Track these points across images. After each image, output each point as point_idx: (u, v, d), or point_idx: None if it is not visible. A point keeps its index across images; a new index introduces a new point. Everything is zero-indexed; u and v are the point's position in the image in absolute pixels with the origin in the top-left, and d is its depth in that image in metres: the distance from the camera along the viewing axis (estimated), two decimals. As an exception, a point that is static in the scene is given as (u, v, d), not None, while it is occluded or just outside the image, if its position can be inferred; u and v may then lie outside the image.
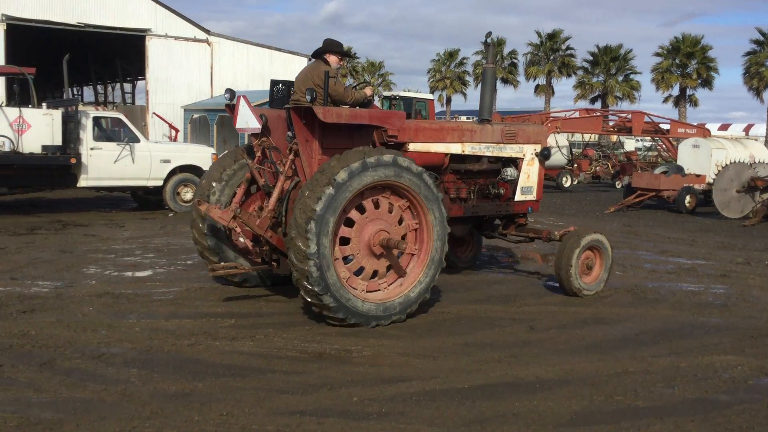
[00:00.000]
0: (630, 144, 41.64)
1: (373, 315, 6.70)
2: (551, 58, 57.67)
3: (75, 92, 54.55)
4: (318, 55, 7.64)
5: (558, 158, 27.11)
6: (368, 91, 7.72)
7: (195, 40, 35.05)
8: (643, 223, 16.97)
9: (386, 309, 6.80)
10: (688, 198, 19.42)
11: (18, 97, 14.71)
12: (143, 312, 7.11)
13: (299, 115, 6.93)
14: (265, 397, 4.95)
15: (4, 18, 30.19)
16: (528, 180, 8.90)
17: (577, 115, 25.49)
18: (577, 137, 39.12)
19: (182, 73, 34.69)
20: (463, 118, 33.68)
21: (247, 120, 7.39)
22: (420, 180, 6.87)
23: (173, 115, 31.52)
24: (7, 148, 13.53)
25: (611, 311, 7.83)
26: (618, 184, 28.83)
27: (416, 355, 6.01)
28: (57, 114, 14.26)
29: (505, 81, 61.82)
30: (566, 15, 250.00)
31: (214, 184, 7.90)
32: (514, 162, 8.85)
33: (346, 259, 6.89)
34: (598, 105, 53.84)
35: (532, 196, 9.01)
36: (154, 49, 34.30)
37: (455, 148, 8.19)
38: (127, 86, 48.90)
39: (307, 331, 6.58)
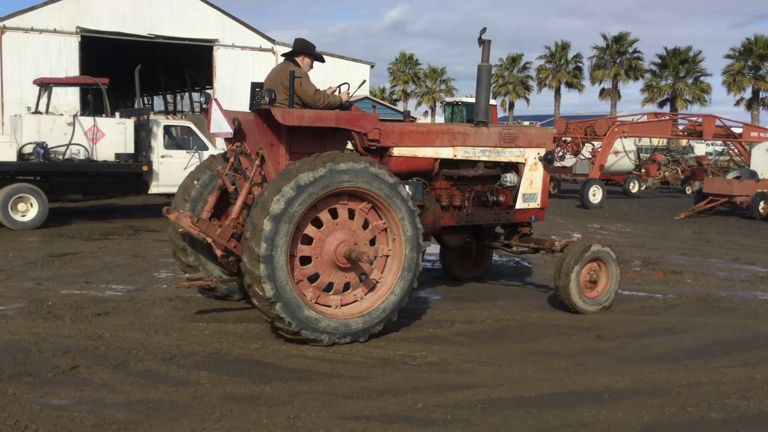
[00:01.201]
0: (700, 148, 40.51)
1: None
2: (617, 61, 56.62)
3: (146, 102, 56.24)
4: (289, 56, 7.38)
5: (625, 163, 26.55)
6: (344, 96, 7.34)
7: (260, 49, 35.69)
8: (714, 230, 16.46)
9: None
10: (762, 204, 18.72)
11: (92, 106, 15.22)
12: (212, 315, 7.26)
13: (262, 118, 6.57)
14: (331, 402, 4.99)
15: (78, 30, 31.35)
16: (531, 186, 8.24)
17: (645, 119, 24.91)
18: (645, 142, 38.22)
19: (248, 81, 35.22)
20: (526, 123, 33.34)
21: (219, 124, 7.04)
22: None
23: (239, 123, 32.04)
24: (82, 156, 14.03)
25: (682, 320, 7.61)
26: (688, 190, 28.04)
27: (481, 362, 5.96)
28: (129, 123, 14.72)
29: (569, 85, 61.01)
30: (632, 17, 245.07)
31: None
32: (515, 167, 8.24)
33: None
34: (666, 109, 52.55)
35: (535, 204, 8.34)
36: (221, 58, 35.10)
37: (446, 153, 7.63)
38: (196, 95, 50.13)
39: (371, 337, 6.60)
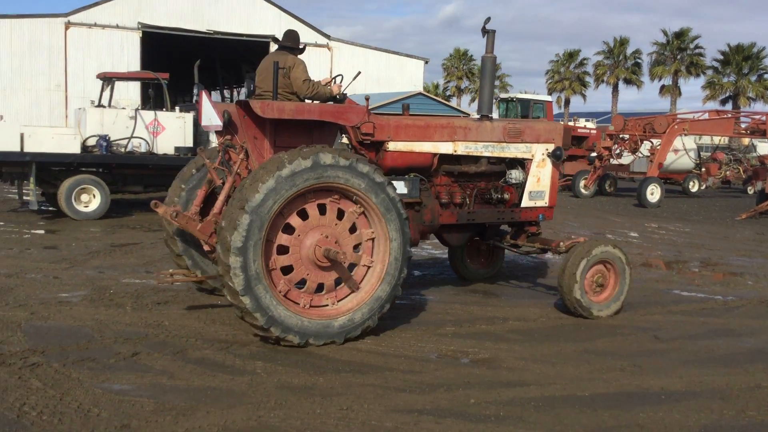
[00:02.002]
0: (763, 147, 39.20)
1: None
2: (678, 57, 55.29)
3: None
4: (282, 47, 7.26)
5: (685, 161, 25.94)
6: (335, 89, 7.14)
7: (316, 45, 35.99)
8: (778, 231, 15.96)
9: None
10: (828, 205, 18.08)
11: (153, 101, 15.57)
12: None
13: (244, 111, 6.43)
14: (384, 395, 5.03)
15: (140, 26, 32.10)
16: (538, 184, 7.85)
17: (706, 116, 24.28)
18: (706, 140, 37.24)
19: (303, 77, 35.64)
20: (582, 121, 32.82)
21: (210, 117, 6.80)
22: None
23: (294, 117, 32.40)
24: (143, 149, 14.37)
25: (743, 323, 7.42)
26: (750, 190, 27.22)
27: (534, 360, 5.92)
28: (189, 117, 15.01)
29: (627, 81, 59.86)
30: (693, 13, 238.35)
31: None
32: (521, 163, 7.89)
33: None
34: (728, 106, 51.12)
35: (543, 202, 7.93)
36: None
37: (445, 148, 7.30)
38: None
39: (423, 332, 6.62)
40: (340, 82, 7.23)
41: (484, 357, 5.97)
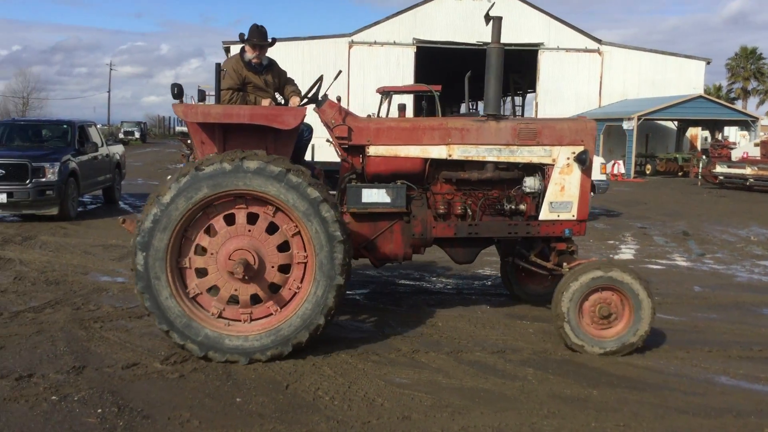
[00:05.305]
0: None
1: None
2: None
3: (471, 106, 58.58)
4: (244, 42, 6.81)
5: None
6: (265, 102, 6.62)
7: (585, 50, 35.16)
8: None
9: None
10: None
11: (425, 111, 16.26)
12: (535, 315, 7.36)
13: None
14: (664, 414, 4.78)
15: (414, 41, 33.79)
16: (562, 193, 6.64)
17: None
18: None
19: (571, 84, 35.13)
20: None
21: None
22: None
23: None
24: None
25: None
26: None
27: (843, 394, 5.24)
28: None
29: None
30: None
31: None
32: (541, 169, 6.81)
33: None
34: None
35: (569, 215, 6.68)
36: (545, 61, 35.21)
37: (437, 152, 6.54)
38: (518, 99, 51.03)
39: (707, 353, 6.16)
40: (318, 87, 6.66)
41: (780, 385, 5.41)
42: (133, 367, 5.44)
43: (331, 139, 6.75)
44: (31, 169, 13.04)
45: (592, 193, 15.55)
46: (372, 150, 6.51)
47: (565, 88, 34.65)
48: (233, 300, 5.78)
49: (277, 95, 7.09)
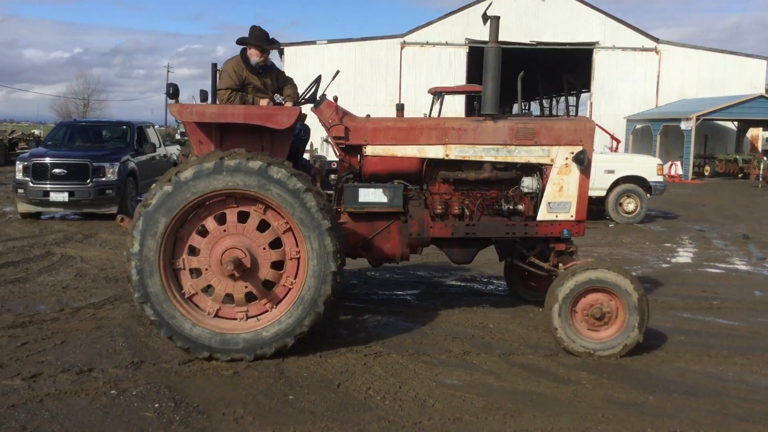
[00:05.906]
0: None
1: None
2: None
3: (523, 106, 58.06)
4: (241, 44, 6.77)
5: None
6: (263, 102, 6.59)
7: (642, 49, 34.52)
8: None
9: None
10: None
11: (477, 112, 16.19)
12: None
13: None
14: (723, 422, 4.67)
15: (467, 42, 33.64)
16: (560, 193, 6.59)
17: None
18: None
19: (627, 83, 34.53)
20: None
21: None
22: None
23: (615, 126, 31.51)
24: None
25: None
26: None
27: None
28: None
29: None
30: None
31: None
32: (539, 169, 6.74)
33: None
34: None
35: (567, 215, 6.62)
36: (600, 61, 34.68)
37: (434, 152, 6.55)
38: (572, 99, 50.34)
39: (763, 359, 5.99)
40: (316, 87, 6.65)
41: None
42: (189, 363, 5.56)
43: (329, 139, 6.81)
44: (91, 168, 13.46)
45: (648, 195, 15.45)
46: (369, 150, 6.57)
47: (621, 87, 34.05)
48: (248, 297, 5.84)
49: (276, 96, 7.19)
